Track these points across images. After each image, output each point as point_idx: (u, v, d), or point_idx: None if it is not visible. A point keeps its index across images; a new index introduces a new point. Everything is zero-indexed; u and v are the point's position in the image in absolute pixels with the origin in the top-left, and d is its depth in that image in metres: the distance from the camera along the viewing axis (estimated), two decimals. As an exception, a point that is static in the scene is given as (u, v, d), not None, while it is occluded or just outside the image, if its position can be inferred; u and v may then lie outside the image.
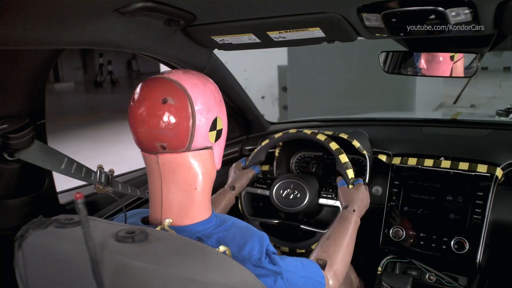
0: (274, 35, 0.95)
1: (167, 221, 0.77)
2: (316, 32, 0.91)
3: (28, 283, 0.72)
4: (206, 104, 0.79)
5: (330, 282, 0.98)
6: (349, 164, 1.34)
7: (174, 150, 0.77)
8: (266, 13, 0.84)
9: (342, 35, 0.90)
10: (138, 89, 0.78)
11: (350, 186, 1.31)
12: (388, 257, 1.39)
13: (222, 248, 0.69)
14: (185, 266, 0.60)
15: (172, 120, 0.74)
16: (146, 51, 0.99)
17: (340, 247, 1.07)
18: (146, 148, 0.78)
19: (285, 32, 0.93)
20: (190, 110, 0.76)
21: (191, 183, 0.79)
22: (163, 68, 1.35)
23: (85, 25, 0.74)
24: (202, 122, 0.78)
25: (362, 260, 1.51)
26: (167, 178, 0.78)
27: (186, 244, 0.65)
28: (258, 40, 1.00)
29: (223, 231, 0.81)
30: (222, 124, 0.85)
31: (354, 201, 1.24)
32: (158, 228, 0.76)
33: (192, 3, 0.78)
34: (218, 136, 0.84)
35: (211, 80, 0.85)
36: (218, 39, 1.03)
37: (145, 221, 0.85)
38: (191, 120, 0.76)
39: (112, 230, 0.65)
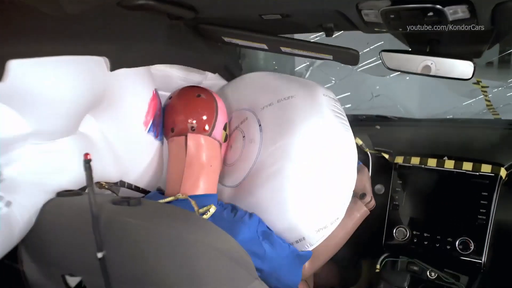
0: (286, 50, 1.05)
1: (179, 195, 0.92)
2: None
3: (34, 252, 0.77)
4: (223, 109, 1.05)
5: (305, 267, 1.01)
6: (369, 159, 1.31)
7: (200, 132, 0.98)
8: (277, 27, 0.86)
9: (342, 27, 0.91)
10: (176, 91, 1.05)
11: None
12: (385, 255, 1.39)
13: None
14: (174, 226, 0.67)
15: (203, 108, 1.00)
16: (160, 51, 0.99)
17: (334, 242, 1.08)
18: (178, 131, 0.99)
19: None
20: (215, 106, 1.02)
21: (208, 160, 0.99)
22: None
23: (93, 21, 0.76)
24: (220, 119, 1.03)
25: (362, 259, 1.51)
26: (192, 153, 0.97)
27: (176, 209, 0.75)
28: (266, 48, 1.06)
29: (221, 206, 0.96)
30: (228, 131, 1.09)
31: (367, 186, 1.20)
32: (171, 198, 0.91)
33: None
34: (225, 139, 1.07)
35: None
36: (227, 39, 1.06)
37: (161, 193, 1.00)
38: (215, 113, 1.01)
39: (110, 197, 0.73)
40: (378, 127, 1.56)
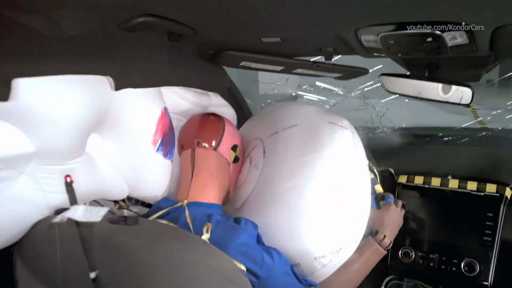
0: (298, 71, 1.12)
1: (186, 201, 1.00)
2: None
3: (28, 266, 0.76)
4: (231, 132, 1.14)
5: None
6: (376, 178, 1.21)
7: (206, 146, 1.07)
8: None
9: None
10: (193, 115, 1.18)
11: (381, 204, 1.18)
12: (390, 277, 1.35)
13: (204, 236, 0.84)
14: (171, 246, 0.67)
15: (209, 126, 1.11)
16: (162, 72, 1.00)
17: (344, 277, 1.02)
18: (186, 145, 1.10)
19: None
20: (222, 126, 1.12)
21: (214, 172, 1.07)
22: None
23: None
24: (227, 139, 1.11)
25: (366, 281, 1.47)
26: (199, 165, 1.06)
27: (173, 229, 0.76)
28: (278, 69, 1.11)
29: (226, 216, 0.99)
30: (240, 155, 1.15)
31: (385, 224, 1.12)
32: (179, 204, 0.98)
33: (196, 18, 0.79)
34: (235, 161, 1.13)
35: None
36: (245, 64, 1.09)
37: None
38: (221, 131, 1.11)
39: (106, 216, 0.71)
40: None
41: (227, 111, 1.30)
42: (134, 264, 0.65)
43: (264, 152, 1.10)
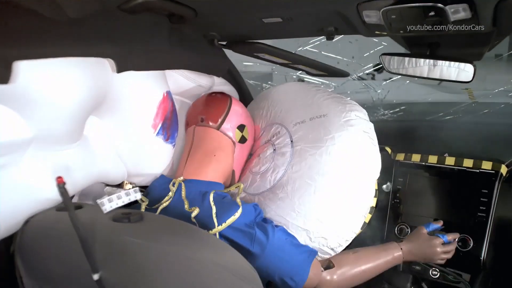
0: (299, 66, 1.20)
1: (181, 178, 1.01)
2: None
3: (28, 263, 0.75)
4: (239, 110, 1.14)
5: (327, 277, 0.97)
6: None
7: (208, 124, 1.08)
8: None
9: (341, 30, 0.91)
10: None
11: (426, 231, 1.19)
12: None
13: (193, 214, 0.88)
14: (178, 244, 0.64)
15: (214, 104, 1.12)
16: (163, 54, 0.99)
17: (356, 267, 1.03)
18: (191, 122, 1.13)
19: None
20: (228, 104, 1.12)
21: (211, 150, 1.06)
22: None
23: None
24: (233, 117, 1.12)
25: None
26: (197, 143, 1.07)
27: (179, 225, 0.72)
28: (281, 62, 1.14)
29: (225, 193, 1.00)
30: (248, 136, 1.16)
31: (420, 249, 1.12)
32: (174, 180, 0.99)
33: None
34: (242, 141, 1.13)
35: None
36: (259, 54, 1.11)
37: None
38: (226, 109, 1.11)
39: (110, 213, 0.70)
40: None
41: (229, 91, 1.30)
42: (140, 265, 0.62)
43: (291, 141, 1.09)
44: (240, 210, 0.90)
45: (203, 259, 0.62)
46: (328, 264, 0.99)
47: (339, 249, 1.04)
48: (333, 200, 0.99)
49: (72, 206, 0.59)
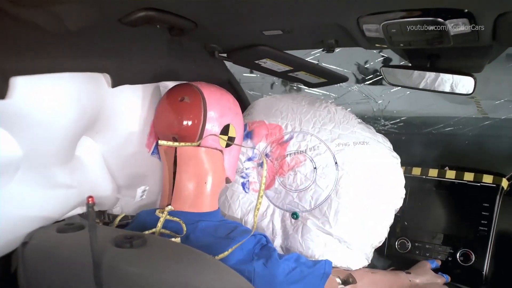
0: (299, 73, 1.15)
1: (168, 207, 0.87)
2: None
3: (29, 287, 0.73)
4: (219, 109, 0.92)
5: None
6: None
7: (185, 142, 0.89)
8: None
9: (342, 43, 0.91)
10: (165, 93, 0.94)
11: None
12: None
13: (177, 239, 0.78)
14: (180, 271, 0.62)
15: (185, 115, 0.89)
16: (162, 66, 0.98)
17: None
18: (161, 137, 0.93)
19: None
20: (202, 109, 0.89)
21: (201, 176, 0.89)
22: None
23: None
24: (213, 123, 0.91)
25: None
26: (182, 168, 0.89)
27: (182, 249, 0.69)
28: (283, 69, 1.12)
29: (221, 223, 0.90)
30: (235, 133, 0.97)
31: (422, 280, 1.16)
32: (159, 212, 0.87)
33: (198, 11, 0.78)
34: (229, 144, 0.95)
35: (231, 94, 0.97)
36: (261, 62, 1.09)
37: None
38: (202, 118, 0.89)
39: (111, 235, 0.67)
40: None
41: None
42: None
43: (336, 163, 1.07)
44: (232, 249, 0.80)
45: (205, 286, 0.60)
46: (347, 279, 0.97)
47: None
48: (371, 224, 1.07)
49: (95, 228, 0.58)
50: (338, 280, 0.96)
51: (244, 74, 2.08)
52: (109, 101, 0.85)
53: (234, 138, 0.97)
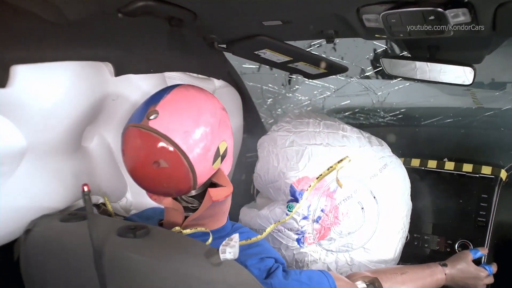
0: (298, 64, 1.17)
1: (177, 228, 0.78)
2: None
3: (32, 276, 0.74)
4: (203, 143, 0.74)
5: None
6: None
7: (182, 195, 0.79)
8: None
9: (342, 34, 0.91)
10: (125, 144, 0.73)
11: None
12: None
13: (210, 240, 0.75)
14: (185, 262, 0.62)
15: (170, 181, 0.73)
16: (162, 57, 0.98)
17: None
18: (158, 200, 0.81)
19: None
20: (186, 163, 0.72)
21: (211, 217, 0.83)
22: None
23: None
24: (202, 164, 0.75)
25: None
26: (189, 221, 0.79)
27: (186, 241, 0.68)
28: (282, 60, 1.10)
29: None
30: (227, 143, 0.81)
31: (459, 274, 1.08)
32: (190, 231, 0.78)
33: (197, 1, 0.78)
34: (223, 158, 0.81)
35: (210, 100, 0.78)
36: (260, 52, 1.09)
37: (160, 223, 0.86)
38: (190, 173, 0.73)
39: (115, 226, 0.67)
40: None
41: (233, 91, 1.29)
42: (143, 282, 0.60)
43: (374, 197, 1.14)
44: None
45: (210, 280, 0.60)
46: (374, 283, 0.95)
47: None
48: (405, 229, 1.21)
49: (93, 215, 0.58)
50: (363, 285, 0.94)
51: (244, 65, 2.07)
52: (112, 90, 0.85)
53: (227, 147, 0.81)
